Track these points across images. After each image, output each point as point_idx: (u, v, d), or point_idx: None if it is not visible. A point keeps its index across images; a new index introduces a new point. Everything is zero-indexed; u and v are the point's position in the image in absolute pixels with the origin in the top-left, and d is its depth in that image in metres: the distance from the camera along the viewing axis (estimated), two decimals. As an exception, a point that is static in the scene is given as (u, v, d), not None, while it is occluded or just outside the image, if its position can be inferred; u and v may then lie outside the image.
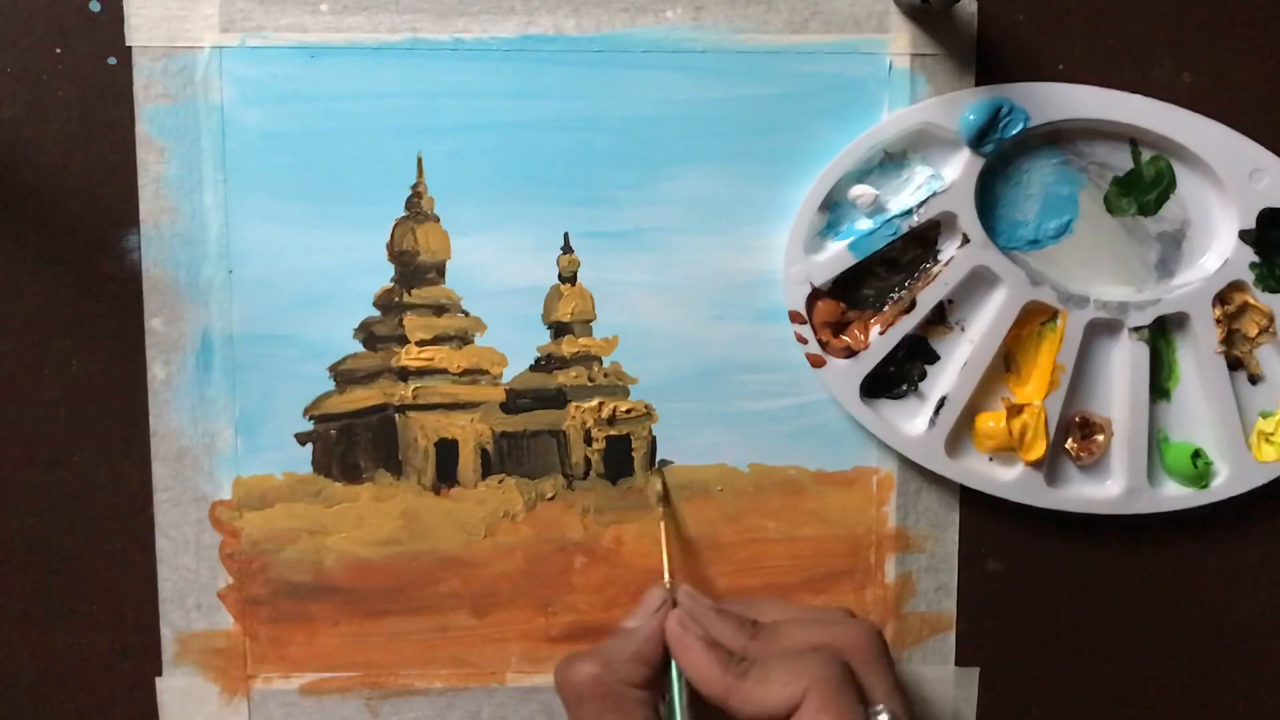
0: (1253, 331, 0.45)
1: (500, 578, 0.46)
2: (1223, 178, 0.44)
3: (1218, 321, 0.44)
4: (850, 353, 0.44)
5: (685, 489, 0.46)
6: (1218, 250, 0.45)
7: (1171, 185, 0.45)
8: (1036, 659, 0.47)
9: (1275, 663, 0.47)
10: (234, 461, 0.45)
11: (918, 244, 0.45)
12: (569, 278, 0.45)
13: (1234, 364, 0.45)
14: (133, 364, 0.44)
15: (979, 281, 0.45)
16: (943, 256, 0.44)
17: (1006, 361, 0.45)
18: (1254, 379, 0.45)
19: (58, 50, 0.43)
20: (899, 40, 0.44)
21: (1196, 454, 0.45)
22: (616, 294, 0.45)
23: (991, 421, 0.45)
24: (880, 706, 0.37)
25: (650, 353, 0.45)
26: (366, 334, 0.45)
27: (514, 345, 0.45)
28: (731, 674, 0.37)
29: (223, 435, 0.45)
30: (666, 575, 0.43)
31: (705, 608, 0.40)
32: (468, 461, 0.45)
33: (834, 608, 0.43)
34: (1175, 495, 0.45)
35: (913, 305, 0.44)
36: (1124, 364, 0.45)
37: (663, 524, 0.45)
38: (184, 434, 0.45)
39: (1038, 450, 0.44)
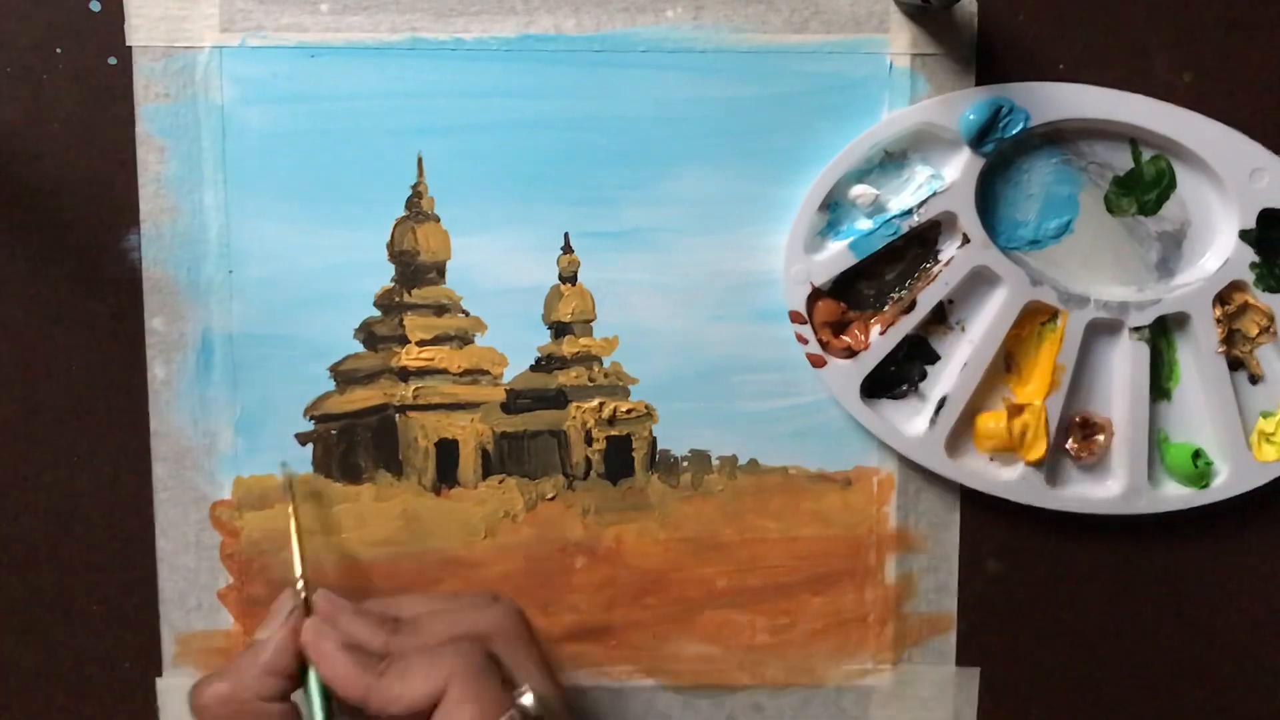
0: (1253, 331, 0.45)
1: (500, 578, 0.46)
2: (1223, 177, 0.44)
3: (1218, 321, 0.44)
4: (850, 353, 0.44)
5: (685, 488, 0.46)
6: (1218, 250, 0.45)
7: (1171, 185, 0.45)
8: (1036, 659, 0.47)
9: (1275, 663, 0.47)
10: (234, 461, 0.45)
11: (918, 244, 0.45)
12: (569, 278, 0.45)
13: (1234, 364, 0.45)
14: (133, 364, 0.44)
15: (979, 281, 0.45)
16: (943, 256, 0.44)
17: (1007, 361, 0.45)
18: (1254, 379, 0.45)
19: (58, 50, 0.43)
20: (899, 40, 0.44)
21: (1197, 454, 0.45)
22: (616, 294, 0.45)
23: (992, 421, 0.45)
24: (525, 687, 0.37)
25: (650, 353, 0.45)
26: (367, 334, 0.45)
27: (514, 345, 0.45)
28: (370, 674, 0.36)
29: (223, 435, 0.45)
30: (298, 577, 0.40)
31: (343, 609, 0.39)
32: (468, 462, 0.45)
33: (476, 593, 0.41)
34: (1175, 495, 0.45)
35: (913, 305, 0.44)
36: (1124, 364, 0.45)
37: (292, 522, 0.42)
38: (184, 434, 0.45)
39: (1038, 450, 0.44)
